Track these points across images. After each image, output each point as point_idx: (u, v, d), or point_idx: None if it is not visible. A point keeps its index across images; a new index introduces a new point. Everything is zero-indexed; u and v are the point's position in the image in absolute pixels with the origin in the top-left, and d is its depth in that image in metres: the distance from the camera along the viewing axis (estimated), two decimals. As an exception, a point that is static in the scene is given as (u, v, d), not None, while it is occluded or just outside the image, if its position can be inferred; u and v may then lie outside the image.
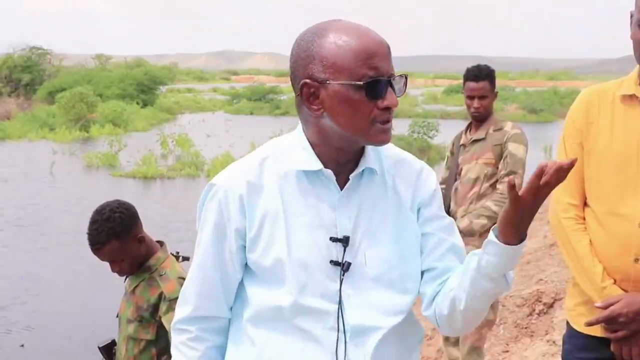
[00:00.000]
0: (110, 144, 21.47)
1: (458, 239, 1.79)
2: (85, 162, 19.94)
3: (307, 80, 1.61)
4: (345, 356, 1.63)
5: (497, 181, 4.07)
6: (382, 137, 1.62)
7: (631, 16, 2.24)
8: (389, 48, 1.63)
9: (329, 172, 1.67)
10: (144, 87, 40.03)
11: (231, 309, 1.76)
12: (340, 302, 1.63)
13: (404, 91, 1.64)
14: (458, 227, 3.97)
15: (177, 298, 2.56)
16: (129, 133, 27.84)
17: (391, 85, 1.60)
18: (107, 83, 38.81)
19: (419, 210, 1.75)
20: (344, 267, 1.64)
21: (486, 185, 4.09)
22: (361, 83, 1.58)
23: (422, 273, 1.74)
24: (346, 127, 1.62)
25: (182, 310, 1.77)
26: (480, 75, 4.14)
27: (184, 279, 2.63)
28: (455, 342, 4.30)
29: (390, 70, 1.61)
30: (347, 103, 1.60)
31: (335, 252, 1.65)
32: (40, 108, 31.95)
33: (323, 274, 1.65)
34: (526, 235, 1.59)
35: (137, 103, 36.73)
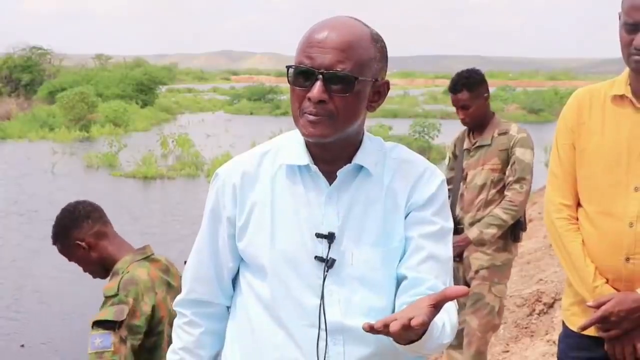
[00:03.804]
0: (110, 144, 21.46)
1: (442, 249, 1.68)
2: (86, 162, 19.93)
3: None
4: (325, 353, 1.63)
5: (504, 187, 4.02)
6: (305, 129, 1.62)
7: (619, 17, 2.26)
8: (341, 43, 1.59)
9: (316, 167, 1.67)
10: (143, 87, 40.00)
11: (231, 297, 1.80)
12: (322, 298, 1.63)
13: (348, 91, 1.59)
14: (468, 237, 3.98)
15: (111, 296, 2.55)
16: (129, 133, 27.84)
17: (325, 79, 1.57)
18: (107, 83, 38.78)
19: (409, 212, 1.69)
20: (327, 263, 1.64)
21: (493, 191, 4.04)
22: (287, 67, 1.63)
23: (398, 280, 1.68)
24: (292, 114, 1.66)
25: (181, 293, 1.85)
26: (457, 87, 4.07)
27: (133, 284, 2.59)
28: (457, 346, 4.27)
29: (332, 65, 1.57)
30: (290, 89, 1.65)
31: (321, 248, 1.65)
32: (40, 108, 31.91)
33: (307, 269, 1.65)
34: (418, 338, 1.48)
35: (137, 103, 36.70)
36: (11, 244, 11.33)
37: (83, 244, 2.74)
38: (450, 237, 1.72)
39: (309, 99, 1.59)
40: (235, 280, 1.80)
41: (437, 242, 1.68)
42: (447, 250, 1.69)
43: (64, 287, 9.04)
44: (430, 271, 1.65)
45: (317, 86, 1.58)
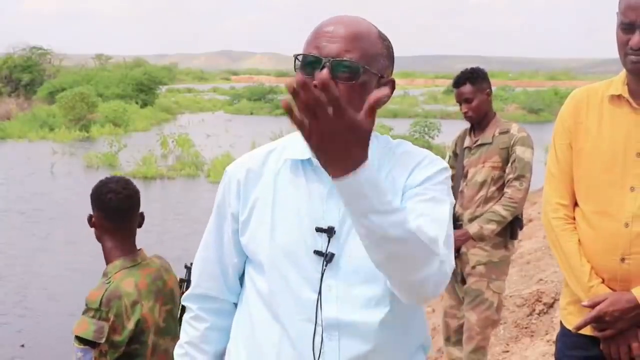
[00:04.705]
0: (110, 144, 21.48)
1: (436, 210, 1.60)
2: (86, 162, 19.94)
3: None
4: (321, 349, 1.63)
5: (503, 184, 4.09)
6: None
7: (617, 17, 2.28)
8: (348, 34, 1.61)
9: (317, 161, 1.65)
10: (143, 87, 40.03)
11: (238, 294, 1.81)
12: (320, 293, 1.63)
13: (354, 79, 1.59)
14: (468, 231, 4.01)
15: (93, 308, 2.57)
16: (129, 133, 27.85)
17: (331, 67, 1.57)
18: (106, 83, 38.82)
19: (403, 195, 1.65)
20: (326, 257, 1.63)
21: (493, 188, 4.11)
22: (294, 56, 1.63)
23: None
24: None
25: (190, 287, 1.87)
26: (460, 80, 4.19)
27: (117, 297, 2.60)
28: (456, 342, 4.32)
29: (339, 54, 1.59)
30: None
31: (321, 242, 1.65)
32: (40, 108, 31.93)
33: (306, 263, 1.65)
34: (354, 165, 1.34)
35: (137, 103, 36.72)
36: (13, 243, 11.35)
37: (92, 221, 2.80)
38: (447, 207, 1.64)
39: (315, 86, 1.59)
40: (242, 277, 1.81)
41: (430, 204, 1.62)
42: (441, 213, 1.60)
43: (70, 285, 9.06)
44: (420, 223, 1.53)
45: (325, 74, 1.58)
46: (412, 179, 1.66)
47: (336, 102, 1.29)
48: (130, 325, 2.61)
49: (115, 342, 2.59)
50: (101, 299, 2.59)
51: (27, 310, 8.42)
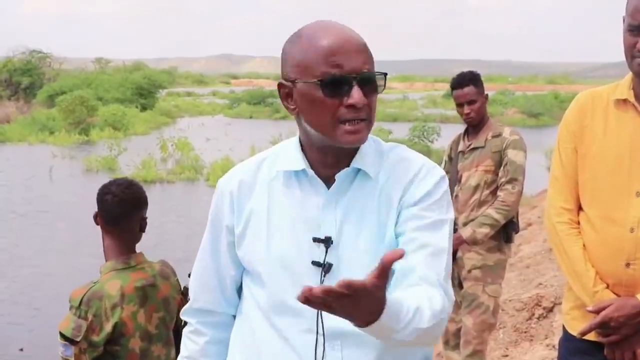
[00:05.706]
0: (110, 148, 21.48)
1: (435, 239, 1.61)
2: (85, 165, 19.94)
3: (282, 81, 1.66)
4: (323, 359, 1.61)
5: (497, 188, 4.08)
6: (347, 137, 1.58)
7: (624, 21, 2.26)
8: (360, 45, 1.58)
9: (312, 172, 1.66)
10: (143, 90, 40.05)
11: (236, 306, 1.80)
12: None
13: (382, 88, 1.59)
14: (462, 236, 4.01)
15: (74, 306, 2.60)
16: (128, 137, 27.85)
17: (359, 83, 1.56)
18: (106, 87, 38.81)
19: (402, 209, 1.64)
20: (324, 268, 1.62)
21: (486, 192, 4.10)
22: (318, 81, 1.57)
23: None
24: (315, 125, 1.62)
25: (189, 301, 1.86)
26: (463, 82, 4.16)
27: (98, 298, 2.62)
28: (455, 346, 4.32)
29: (360, 67, 1.56)
30: (311, 102, 1.60)
31: (318, 252, 1.63)
32: (40, 111, 31.94)
33: (304, 274, 1.63)
34: (377, 316, 1.34)
35: (137, 107, 36.72)
36: (17, 245, 11.35)
37: (97, 219, 2.81)
38: (447, 228, 1.64)
39: (352, 106, 1.56)
40: (240, 289, 1.80)
41: (431, 232, 1.62)
42: (441, 240, 1.61)
43: (77, 286, 9.07)
44: (421, 260, 1.57)
45: (357, 91, 1.55)
46: (410, 193, 1.65)
47: (347, 300, 1.28)
48: (108, 328, 2.62)
49: (93, 342, 2.61)
50: (82, 298, 2.62)
51: (35, 311, 8.43)
